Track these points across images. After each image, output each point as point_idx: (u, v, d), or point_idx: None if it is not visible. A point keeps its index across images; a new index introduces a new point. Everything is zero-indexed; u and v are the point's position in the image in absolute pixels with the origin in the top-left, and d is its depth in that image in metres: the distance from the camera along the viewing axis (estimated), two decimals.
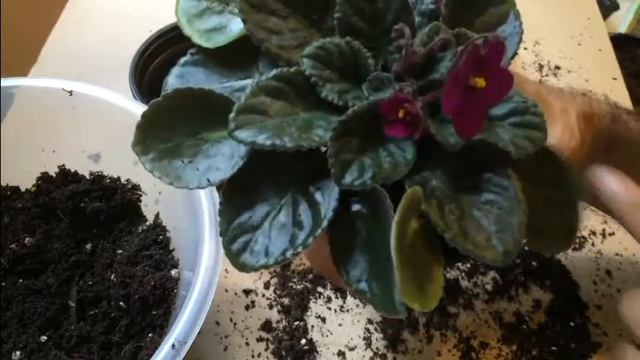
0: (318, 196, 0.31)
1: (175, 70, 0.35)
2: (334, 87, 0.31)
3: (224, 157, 0.32)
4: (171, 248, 0.53)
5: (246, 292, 0.57)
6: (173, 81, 0.35)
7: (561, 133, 0.40)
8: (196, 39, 0.35)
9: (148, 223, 0.56)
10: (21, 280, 0.51)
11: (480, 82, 0.27)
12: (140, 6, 0.88)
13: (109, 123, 0.54)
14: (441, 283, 0.30)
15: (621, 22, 1.49)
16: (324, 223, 0.30)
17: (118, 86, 0.56)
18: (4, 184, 0.57)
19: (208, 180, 0.32)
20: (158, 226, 0.55)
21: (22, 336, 0.47)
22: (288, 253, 0.30)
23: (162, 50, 0.64)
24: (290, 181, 0.32)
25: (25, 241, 0.53)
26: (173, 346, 0.38)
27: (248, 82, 0.34)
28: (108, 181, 0.57)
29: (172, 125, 0.32)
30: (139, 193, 0.57)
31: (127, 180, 0.57)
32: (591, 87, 0.81)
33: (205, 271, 0.42)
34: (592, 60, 0.85)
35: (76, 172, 0.58)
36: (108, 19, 0.86)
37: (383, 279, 0.30)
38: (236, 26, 0.33)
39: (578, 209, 0.34)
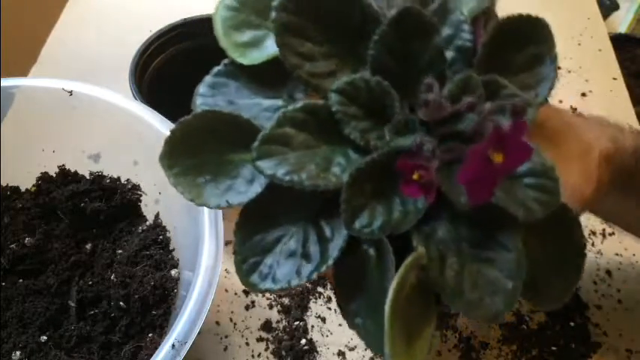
0: (327, 231, 0.32)
1: (208, 79, 0.36)
2: (358, 125, 0.31)
3: (245, 180, 0.33)
4: (171, 248, 0.53)
5: (246, 292, 0.57)
6: (204, 90, 0.36)
7: (578, 179, 0.39)
8: (231, 52, 0.35)
9: (148, 223, 0.56)
10: (21, 280, 0.51)
11: (498, 158, 0.27)
12: (140, 6, 0.88)
13: (109, 123, 0.54)
14: (427, 338, 0.31)
15: (621, 22, 1.49)
16: (330, 262, 0.31)
17: (118, 86, 0.56)
18: (4, 184, 0.57)
19: (228, 201, 0.32)
20: (158, 226, 0.55)
21: (22, 336, 0.47)
22: (293, 282, 0.31)
23: (163, 50, 0.64)
24: (304, 211, 0.33)
25: (25, 241, 0.53)
26: (173, 346, 0.38)
27: (276, 102, 0.35)
28: (108, 181, 0.57)
29: (199, 143, 0.33)
30: (139, 193, 0.57)
31: (127, 180, 0.57)
32: (591, 87, 0.81)
33: (205, 271, 0.42)
34: (592, 60, 0.85)
35: (76, 172, 0.58)
36: (108, 19, 0.86)
37: (377, 320, 0.30)
38: (271, 44, 0.33)
39: (580, 268, 0.33)
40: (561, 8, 0.94)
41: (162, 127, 0.51)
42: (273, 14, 0.32)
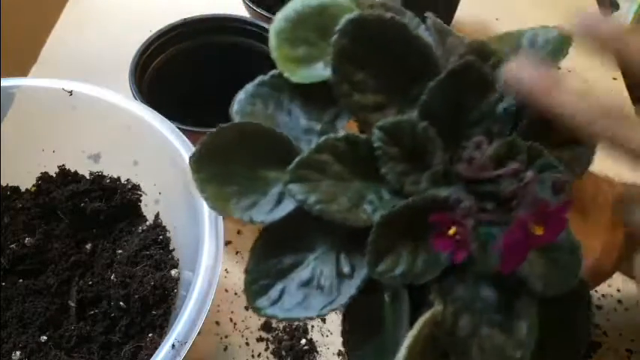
0: (346, 267, 0.31)
1: (249, 88, 0.35)
2: (396, 167, 0.31)
3: (272, 199, 0.32)
4: (171, 248, 0.53)
5: None
6: (244, 97, 0.35)
7: (600, 255, 0.38)
8: (281, 66, 0.34)
9: (148, 223, 0.56)
10: (21, 280, 0.51)
11: (539, 231, 0.27)
12: (140, 6, 0.88)
13: (109, 123, 0.54)
14: None
15: (621, 22, 1.49)
16: (345, 300, 0.30)
17: (118, 86, 0.56)
18: (4, 184, 0.57)
19: (251, 218, 0.31)
20: (158, 226, 0.55)
21: (22, 336, 0.47)
22: (302, 314, 0.30)
23: (163, 50, 0.64)
24: (325, 242, 0.32)
25: (25, 241, 0.53)
26: (173, 346, 0.38)
27: (315, 125, 0.34)
28: (108, 181, 0.57)
29: (231, 152, 0.32)
30: (139, 193, 0.57)
31: (127, 180, 0.57)
32: (591, 87, 0.81)
33: (205, 271, 0.42)
34: (592, 60, 0.85)
35: (76, 172, 0.58)
36: (108, 19, 0.86)
37: None
38: (323, 66, 0.33)
39: (588, 335, 0.33)
40: (561, 8, 0.94)
41: (162, 127, 0.51)
42: (335, 37, 0.31)
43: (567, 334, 0.32)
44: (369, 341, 0.31)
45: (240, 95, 0.35)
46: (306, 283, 0.31)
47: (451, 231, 0.28)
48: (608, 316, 0.57)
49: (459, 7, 0.84)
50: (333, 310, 0.30)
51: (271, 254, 0.32)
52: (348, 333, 0.31)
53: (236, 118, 0.34)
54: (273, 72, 0.35)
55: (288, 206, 0.31)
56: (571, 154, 0.34)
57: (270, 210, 0.32)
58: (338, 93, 0.32)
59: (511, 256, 0.28)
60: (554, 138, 0.34)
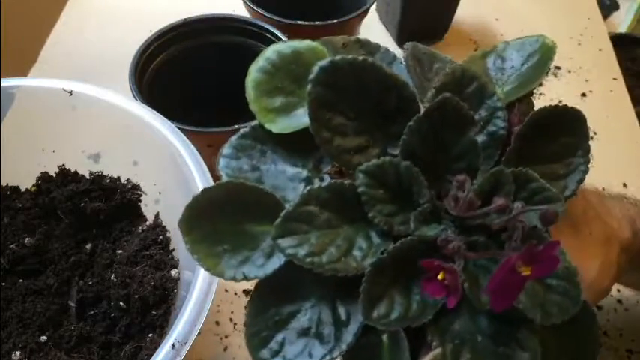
0: (343, 313, 0.31)
1: (233, 141, 0.35)
2: (383, 209, 0.31)
3: (263, 253, 0.32)
4: (171, 248, 0.53)
5: (247, 292, 0.57)
6: (228, 152, 0.35)
7: (597, 273, 0.38)
8: (260, 117, 0.34)
9: (148, 223, 0.56)
10: (21, 280, 0.51)
11: (527, 271, 0.27)
12: (140, 6, 0.88)
13: (109, 123, 0.54)
14: None
15: (621, 22, 1.49)
16: (344, 347, 0.30)
17: (118, 86, 0.56)
18: (4, 184, 0.57)
19: (244, 274, 0.31)
20: (158, 226, 0.55)
21: (22, 336, 0.47)
22: None
23: (162, 50, 0.64)
24: (320, 289, 0.32)
25: (25, 241, 0.53)
26: (173, 346, 0.38)
27: (301, 171, 0.34)
28: (108, 181, 0.57)
29: (219, 211, 0.32)
30: (139, 193, 0.57)
31: (127, 180, 0.57)
32: (591, 87, 0.81)
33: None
34: (592, 60, 0.85)
35: (76, 172, 0.58)
36: (108, 19, 0.86)
37: None
38: (302, 113, 0.33)
39: (596, 356, 0.33)
40: (561, 8, 0.94)
41: (162, 127, 0.51)
42: (309, 87, 0.31)
43: (580, 355, 0.32)
44: None
45: (225, 150, 0.35)
46: (305, 332, 0.31)
47: (440, 276, 0.28)
48: (608, 316, 0.57)
49: (459, 7, 0.84)
50: (333, 358, 0.30)
51: (268, 305, 0.32)
52: None
53: (223, 175, 0.34)
54: (253, 123, 0.35)
55: (278, 259, 0.31)
56: (565, 167, 0.35)
57: (261, 264, 0.32)
58: (318, 140, 0.32)
59: (501, 296, 0.28)
60: (546, 155, 0.34)
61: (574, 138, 0.35)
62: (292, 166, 0.35)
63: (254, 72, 0.36)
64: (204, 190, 0.32)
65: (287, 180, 0.34)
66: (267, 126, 0.34)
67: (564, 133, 0.35)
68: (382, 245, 0.30)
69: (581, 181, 0.34)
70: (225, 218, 0.32)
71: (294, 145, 0.35)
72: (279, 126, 0.34)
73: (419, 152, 0.32)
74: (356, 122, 0.33)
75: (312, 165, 0.34)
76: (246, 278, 0.31)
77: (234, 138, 0.35)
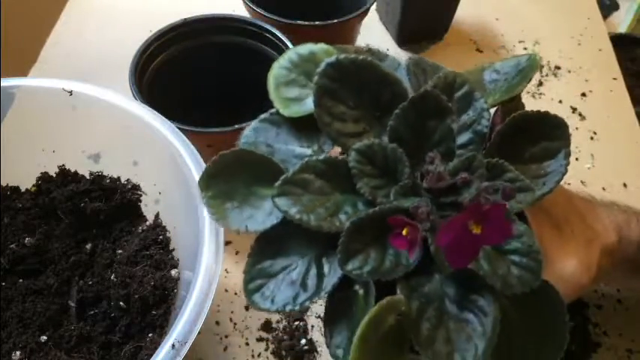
0: (326, 269, 0.36)
1: (254, 124, 0.41)
2: (370, 182, 0.36)
3: (264, 212, 0.37)
4: (171, 248, 0.53)
5: None
6: (249, 132, 0.41)
7: (575, 269, 0.40)
8: (277, 105, 0.41)
9: (148, 223, 0.56)
10: (21, 280, 0.51)
11: (477, 229, 0.30)
12: (140, 6, 0.88)
13: (109, 123, 0.54)
14: None
15: (621, 22, 1.49)
16: (322, 294, 0.35)
17: (118, 86, 0.56)
18: (4, 184, 0.57)
19: (247, 227, 0.37)
20: (158, 226, 0.55)
21: (22, 336, 0.47)
22: (288, 307, 0.35)
23: (163, 50, 0.64)
24: (310, 249, 0.37)
25: (25, 241, 0.53)
26: (173, 346, 0.38)
27: (307, 151, 0.40)
28: (108, 181, 0.57)
29: (234, 174, 0.39)
30: (139, 193, 0.57)
31: (127, 180, 0.57)
32: (591, 87, 0.81)
33: (205, 271, 0.42)
34: (592, 60, 0.85)
35: (76, 172, 0.58)
36: (108, 19, 0.86)
37: None
38: (311, 102, 0.38)
39: (561, 349, 0.35)
40: (561, 8, 0.94)
41: (162, 127, 0.51)
42: (316, 78, 0.37)
43: (547, 339, 0.36)
44: (344, 331, 0.35)
45: (246, 131, 0.41)
46: (294, 283, 0.36)
47: (404, 231, 0.33)
48: (608, 316, 0.57)
49: (459, 7, 0.84)
50: (312, 303, 0.35)
51: (265, 258, 0.37)
52: (327, 326, 0.36)
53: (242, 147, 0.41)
54: (272, 110, 0.41)
55: (276, 217, 0.37)
56: (544, 169, 0.38)
57: (262, 221, 0.37)
58: (320, 124, 0.37)
59: (457, 254, 0.31)
60: (526, 157, 0.39)
61: (554, 144, 0.38)
62: (300, 147, 0.40)
63: (276, 68, 0.42)
64: (222, 154, 0.38)
65: (294, 157, 0.40)
66: (282, 111, 0.40)
67: (545, 138, 0.38)
68: (365, 212, 0.35)
69: (559, 180, 0.37)
70: (237, 180, 0.38)
71: (303, 129, 0.40)
72: (291, 110, 0.40)
73: (404, 137, 0.37)
74: (355, 111, 0.38)
75: (317, 146, 0.40)
76: (247, 231, 0.37)
77: (254, 122, 0.41)
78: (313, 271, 0.36)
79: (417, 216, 0.33)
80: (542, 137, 0.38)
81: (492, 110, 0.41)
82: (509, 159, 0.36)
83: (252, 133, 0.41)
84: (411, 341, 0.34)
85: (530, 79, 0.41)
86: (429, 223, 0.33)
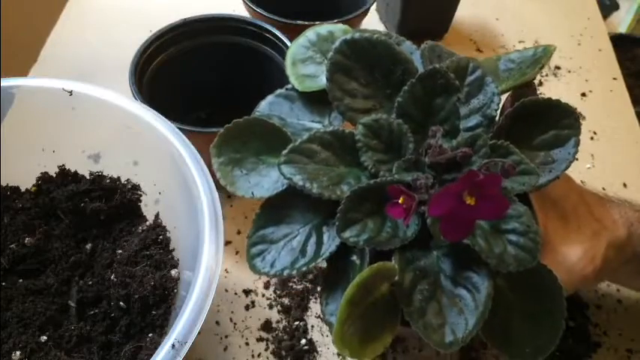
0: (325, 236, 0.37)
1: (269, 98, 0.43)
2: (374, 155, 0.37)
3: (271, 180, 0.39)
4: (171, 248, 0.53)
5: (246, 292, 0.57)
6: (264, 105, 0.43)
7: (579, 258, 0.40)
8: (292, 80, 0.42)
9: (148, 223, 0.56)
10: (21, 280, 0.51)
11: (470, 200, 0.30)
12: (140, 6, 0.88)
13: (109, 123, 0.54)
14: (385, 343, 0.34)
15: (621, 22, 1.49)
16: (319, 260, 0.36)
17: (118, 86, 0.56)
18: (4, 184, 0.57)
19: (253, 193, 0.39)
20: (158, 226, 0.55)
21: (22, 336, 0.47)
22: (286, 272, 0.37)
23: (163, 50, 0.64)
24: (312, 216, 0.38)
25: (25, 241, 0.53)
26: (173, 346, 0.38)
27: (318, 125, 0.42)
28: (108, 181, 0.57)
29: (245, 142, 0.40)
30: (139, 193, 0.57)
31: (127, 180, 0.57)
32: (591, 87, 0.81)
33: (205, 271, 0.42)
34: (592, 60, 0.85)
35: (76, 172, 0.58)
36: (108, 19, 0.86)
37: None
38: (324, 78, 0.40)
39: (556, 336, 0.36)
40: (561, 8, 0.94)
41: (162, 127, 0.51)
42: (330, 54, 0.39)
43: (543, 324, 0.36)
44: (339, 293, 0.37)
45: (261, 104, 0.43)
46: (294, 250, 0.37)
47: (400, 200, 0.33)
48: (608, 316, 0.57)
49: (459, 7, 0.84)
50: (309, 268, 0.37)
51: (268, 225, 0.38)
52: (325, 289, 0.38)
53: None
54: (287, 86, 0.43)
55: (282, 185, 0.38)
56: (553, 156, 0.38)
57: (268, 188, 0.39)
58: (332, 97, 0.38)
59: (451, 226, 0.31)
60: (536, 144, 0.39)
61: (565, 130, 0.38)
62: (311, 121, 0.42)
63: (294, 46, 0.44)
64: (235, 122, 0.40)
65: (304, 130, 0.41)
66: (296, 85, 0.42)
67: (555, 125, 0.39)
68: (367, 183, 0.36)
69: (565, 169, 0.38)
70: (248, 148, 0.40)
71: (315, 104, 0.42)
72: (305, 85, 0.42)
73: (410, 113, 0.38)
74: (366, 89, 0.39)
75: (328, 121, 0.42)
76: (253, 197, 0.39)
77: (270, 96, 0.43)
78: (313, 239, 0.37)
79: (416, 188, 0.34)
80: (552, 124, 0.38)
81: (504, 97, 0.41)
82: (517, 144, 0.37)
83: (266, 107, 0.42)
84: (402, 312, 0.34)
85: (543, 66, 0.41)
86: (427, 195, 0.33)
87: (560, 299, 0.36)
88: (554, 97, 0.39)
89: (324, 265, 0.39)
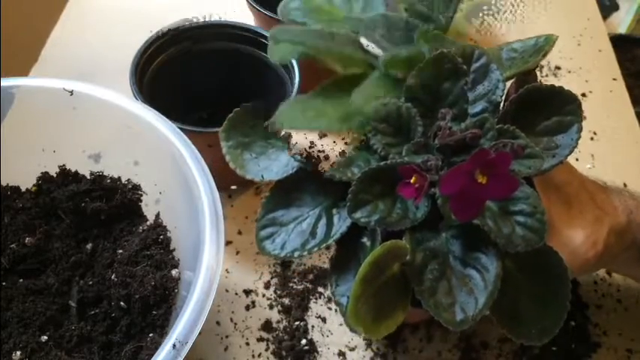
0: (336, 218, 0.38)
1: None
2: (383, 139, 0.37)
3: (280, 163, 0.40)
4: (171, 248, 0.53)
5: (247, 292, 0.57)
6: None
7: (582, 242, 0.41)
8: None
9: (148, 223, 0.56)
10: (21, 280, 0.51)
11: (482, 179, 0.31)
12: (140, 6, 0.88)
13: (109, 123, 0.54)
14: (398, 321, 0.35)
15: (621, 22, 1.49)
16: (330, 241, 0.37)
17: (118, 86, 0.56)
18: (4, 184, 0.57)
19: (262, 176, 0.40)
20: (159, 226, 0.55)
21: (23, 336, 0.47)
22: (297, 253, 0.37)
23: (163, 50, 0.64)
24: (322, 199, 0.39)
25: (26, 241, 0.53)
26: (174, 346, 0.38)
27: None
28: (108, 181, 0.57)
29: (253, 126, 0.41)
30: (140, 193, 0.57)
31: (128, 180, 0.57)
32: (591, 87, 0.81)
33: (206, 271, 0.42)
34: (592, 60, 0.85)
35: (76, 172, 0.58)
36: (108, 19, 0.86)
37: None
38: None
39: (562, 317, 0.36)
40: (561, 8, 0.94)
41: (162, 127, 0.51)
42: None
43: (549, 305, 0.37)
44: (350, 280, 0.37)
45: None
46: (304, 232, 0.38)
47: (412, 179, 0.34)
48: (608, 316, 0.57)
49: (459, 7, 0.84)
50: (320, 249, 0.37)
51: (278, 207, 0.39)
52: (335, 270, 0.38)
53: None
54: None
55: (291, 168, 0.39)
56: (556, 142, 0.39)
57: (277, 172, 0.39)
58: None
59: (461, 203, 0.32)
60: (539, 130, 0.39)
61: (567, 117, 0.39)
62: None
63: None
64: (243, 105, 0.42)
65: None
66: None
67: (557, 112, 0.39)
68: (377, 164, 0.37)
69: (568, 154, 0.39)
70: (257, 132, 0.41)
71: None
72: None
73: (419, 97, 0.38)
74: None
75: None
76: (263, 180, 0.40)
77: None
78: (323, 221, 0.38)
79: (426, 169, 0.34)
80: (554, 111, 0.39)
81: (508, 84, 0.42)
82: (522, 129, 0.37)
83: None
84: (413, 292, 0.35)
85: (546, 54, 0.42)
86: (437, 176, 0.34)
87: (566, 280, 0.36)
88: None
89: (334, 247, 0.39)
